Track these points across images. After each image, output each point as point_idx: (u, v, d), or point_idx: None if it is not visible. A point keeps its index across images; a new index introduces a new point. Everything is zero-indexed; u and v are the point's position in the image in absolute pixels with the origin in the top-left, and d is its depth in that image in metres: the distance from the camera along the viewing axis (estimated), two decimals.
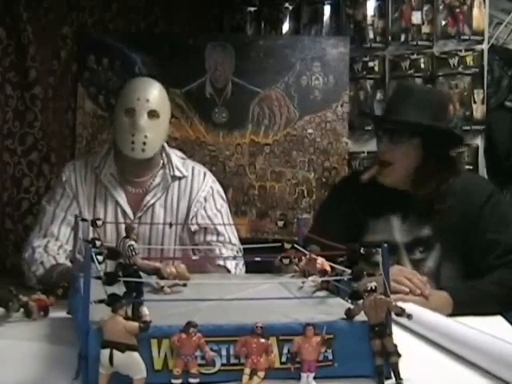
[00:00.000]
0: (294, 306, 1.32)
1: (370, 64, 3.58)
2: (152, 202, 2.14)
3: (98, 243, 1.32)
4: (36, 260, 1.99)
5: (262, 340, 1.15)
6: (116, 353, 1.08)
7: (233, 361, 1.16)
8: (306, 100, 3.46)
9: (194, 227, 2.16)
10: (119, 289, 1.16)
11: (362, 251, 1.31)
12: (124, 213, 2.13)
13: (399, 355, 1.21)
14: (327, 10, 3.69)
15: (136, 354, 1.09)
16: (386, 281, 1.23)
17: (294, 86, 3.46)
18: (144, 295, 1.21)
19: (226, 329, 1.17)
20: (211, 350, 1.14)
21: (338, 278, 1.37)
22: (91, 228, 1.53)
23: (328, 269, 1.44)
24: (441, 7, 3.48)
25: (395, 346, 1.22)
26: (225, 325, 1.17)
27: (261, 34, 3.74)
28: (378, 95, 3.57)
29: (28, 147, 3.07)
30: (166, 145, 2.21)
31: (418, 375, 1.24)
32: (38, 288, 1.80)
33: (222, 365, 1.16)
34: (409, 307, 1.30)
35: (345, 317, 1.24)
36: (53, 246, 2.05)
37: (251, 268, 2.02)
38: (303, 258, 1.55)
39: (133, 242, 1.23)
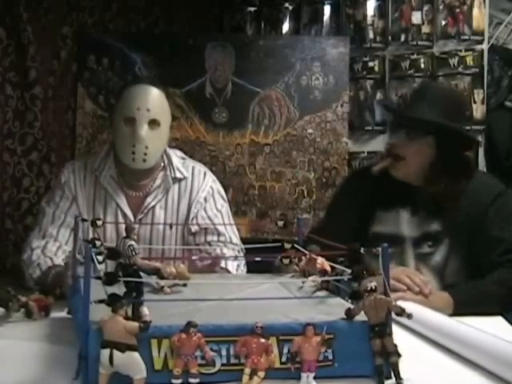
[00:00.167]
0: (294, 306, 1.32)
1: (370, 64, 3.58)
2: (153, 204, 2.13)
3: (97, 243, 1.32)
4: (33, 261, 1.99)
5: (262, 340, 1.15)
6: (116, 353, 1.08)
7: (233, 361, 1.16)
8: (305, 100, 3.47)
9: (194, 228, 2.15)
10: (119, 289, 1.16)
11: (362, 251, 1.31)
12: (124, 215, 2.12)
13: (399, 355, 1.21)
14: (327, 10, 3.69)
15: (136, 354, 1.09)
16: (386, 281, 1.23)
17: (294, 86, 3.46)
18: (144, 295, 1.21)
19: (226, 329, 1.17)
20: (211, 349, 1.14)
21: (338, 277, 1.37)
22: (91, 229, 1.53)
23: (328, 269, 1.44)
24: (441, 7, 3.48)
25: (395, 345, 1.22)
26: (225, 325, 1.17)
27: (261, 34, 3.75)
28: (378, 95, 3.58)
29: (28, 147, 3.07)
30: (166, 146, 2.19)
31: (418, 375, 1.24)
32: (36, 289, 1.80)
33: (222, 365, 1.16)
34: (409, 307, 1.30)
35: (345, 317, 1.24)
36: (51, 247, 2.04)
37: (251, 268, 2.02)
38: (303, 257, 1.55)
39: (133, 242, 1.23)
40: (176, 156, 2.21)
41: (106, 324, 1.10)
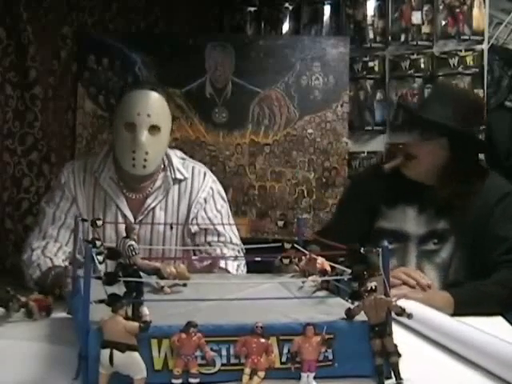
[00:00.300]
0: (294, 306, 1.32)
1: (370, 64, 3.58)
2: (153, 205, 2.13)
3: (98, 243, 1.32)
4: (33, 262, 1.98)
5: (262, 340, 1.15)
6: (116, 353, 1.08)
7: (233, 361, 1.16)
8: (306, 100, 3.46)
9: (194, 228, 2.15)
10: (119, 289, 1.16)
11: (362, 251, 1.31)
12: (124, 216, 2.11)
13: (399, 355, 1.21)
14: (327, 9, 3.69)
15: (136, 354, 1.09)
16: (386, 281, 1.23)
17: (294, 86, 3.46)
18: (144, 295, 1.21)
19: (226, 329, 1.17)
20: (211, 349, 1.15)
21: (338, 277, 1.37)
22: (91, 229, 1.53)
23: (328, 269, 1.44)
24: (441, 7, 3.48)
25: (395, 345, 1.22)
26: (225, 325, 1.17)
27: (261, 34, 3.74)
28: (378, 95, 3.57)
29: (28, 147, 3.07)
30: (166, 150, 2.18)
31: (418, 375, 1.24)
32: (36, 289, 1.80)
33: (222, 365, 1.16)
34: (410, 306, 1.30)
35: (345, 317, 1.24)
36: (51, 248, 2.03)
37: (251, 268, 2.02)
38: (303, 257, 1.55)
39: (133, 242, 1.23)
40: (176, 156, 2.20)
41: (106, 324, 1.10)
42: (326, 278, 1.42)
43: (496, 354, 1.31)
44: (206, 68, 3.47)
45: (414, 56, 3.50)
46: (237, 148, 3.47)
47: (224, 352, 1.16)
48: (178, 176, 2.16)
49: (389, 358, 1.20)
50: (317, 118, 3.46)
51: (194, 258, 2.08)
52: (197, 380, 1.13)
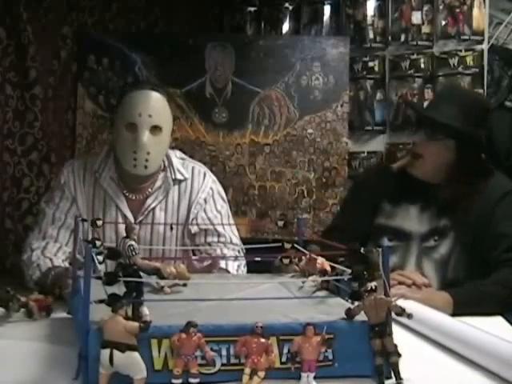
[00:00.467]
0: (294, 306, 1.32)
1: (370, 64, 3.58)
2: (153, 205, 2.13)
3: (98, 243, 1.32)
4: (33, 262, 1.98)
5: (262, 340, 1.15)
6: (116, 353, 1.08)
7: (233, 361, 1.16)
8: (306, 100, 3.46)
9: (194, 229, 2.15)
10: (119, 289, 1.16)
11: (362, 251, 1.31)
12: (124, 217, 2.11)
13: (399, 355, 1.21)
14: (327, 10, 3.69)
15: (136, 354, 1.09)
16: (386, 281, 1.23)
17: (294, 86, 3.46)
18: (144, 295, 1.21)
19: (226, 329, 1.17)
20: (211, 349, 1.15)
21: (338, 277, 1.37)
22: (91, 229, 1.53)
23: (328, 269, 1.44)
24: (441, 7, 3.48)
25: (395, 345, 1.22)
26: (225, 325, 1.17)
27: (261, 34, 3.74)
28: (378, 95, 3.57)
29: (28, 147, 3.07)
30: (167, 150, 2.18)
31: (418, 375, 1.24)
32: (36, 289, 1.80)
33: (222, 365, 1.16)
34: (410, 306, 1.30)
35: (345, 317, 1.24)
36: (51, 248, 2.03)
37: (251, 268, 2.02)
38: (303, 257, 1.55)
39: (133, 242, 1.23)
40: (176, 157, 2.20)
41: (106, 324, 1.10)
42: (326, 278, 1.42)
43: (496, 353, 1.31)
44: (206, 68, 3.47)
45: (414, 56, 3.50)
46: (237, 148, 3.47)
47: (224, 352, 1.16)
48: (178, 176, 2.16)
49: (389, 358, 1.20)
50: (317, 118, 3.46)
51: (193, 258, 2.08)
52: (197, 380, 1.13)
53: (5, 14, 2.94)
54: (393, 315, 1.23)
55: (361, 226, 2.14)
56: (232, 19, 3.86)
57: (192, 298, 1.33)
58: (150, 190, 2.14)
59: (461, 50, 3.44)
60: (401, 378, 1.20)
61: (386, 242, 2.08)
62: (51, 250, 2.03)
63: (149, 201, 2.13)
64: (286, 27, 3.76)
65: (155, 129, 2.03)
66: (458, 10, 3.44)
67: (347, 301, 1.33)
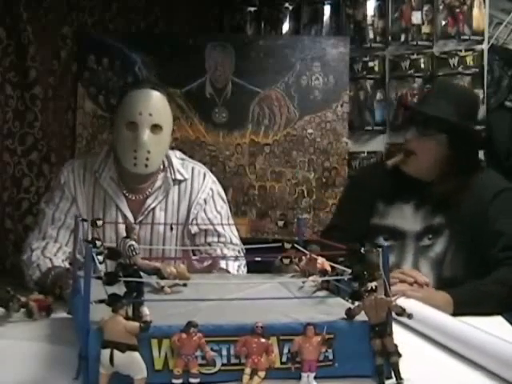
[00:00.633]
0: (294, 306, 1.32)
1: (370, 64, 3.57)
2: (153, 205, 2.13)
3: (98, 243, 1.32)
4: (33, 262, 1.98)
5: (263, 340, 1.15)
6: (116, 353, 1.08)
7: (233, 361, 1.16)
8: (306, 100, 3.46)
9: (194, 229, 2.15)
10: (119, 289, 1.16)
11: (362, 251, 1.31)
12: (124, 217, 2.11)
13: (400, 355, 1.21)
14: (327, 10, 3.68)
15: (136, 354, 1.09)
16: (386, 281, 1.23)
17: (294, 86, 3.46)
18: (144, 295, 1.21)
19: (226, 329, 1.17)
20: (211, 349, 1.15)
21: (338, 277, 1.37)
22: (91, 229, 1.53)
23: (328, 269, 1.44)
24: (441, 7, 3.48)
25: (396, 345, 1.22)
26: (225, 325, 1.17)
27: (261, 34, 3.74)
28: (378, 95, 3.57)
29: (28, 147, 3.07)
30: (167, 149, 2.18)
31: (419, 375, 1.24)
32: (36, 289, 1.80)
33: (223, 365, 1.16)
34: (410, 306, 1.30)
35: (345, 317, 1.24)
36: (51, 248, 2.03)
37: (251, 268, 2.02)
38: (303, 257, 1.55)
39: (133, 242, 1.23)
40: (175, 157, 2.20)
41: (107, 324, 1.10)
42: (326, 278, 1.42)
43: (496, 353, 1.31)
44: (206, 68, 3.47)
45: (414, 56, 3.50)
46: (237, 148, 3.47)
47: (224, 352, 1.16)
48: (178, 177, 2.16)
49: (389, 358, 1.20)
50: (317, 118, 3.46)
51: (194, 258, 2.08)
52: (197, 380, 1.13)
53: (5, 14, 2.94)
54: (393, 315, 1.23)
55: (359, 225, 2.14)
56: (232, 19, 3.86)
57: (192, 298, 1.33)
58: (149, 190, 2.14)
59: (461, 50, 3.44)
60: (401, 378, 1.19)
61: (382, 241, 2.08)
62: (51, 250, 2.03)
63: (149, 201, 2.13)
64: (285, 27, 3.76)
65: (156, 128, 2.03)
66: (458, 10, 3.44)
67: (347, 301, 1.33)
